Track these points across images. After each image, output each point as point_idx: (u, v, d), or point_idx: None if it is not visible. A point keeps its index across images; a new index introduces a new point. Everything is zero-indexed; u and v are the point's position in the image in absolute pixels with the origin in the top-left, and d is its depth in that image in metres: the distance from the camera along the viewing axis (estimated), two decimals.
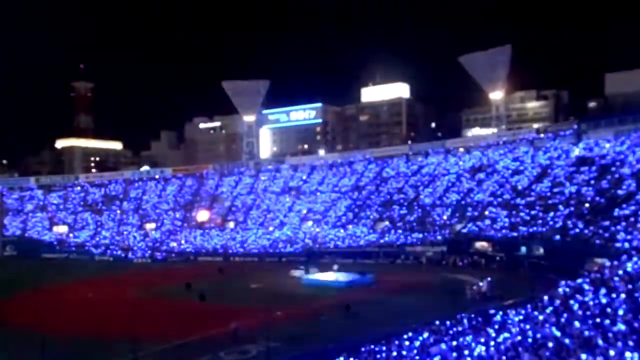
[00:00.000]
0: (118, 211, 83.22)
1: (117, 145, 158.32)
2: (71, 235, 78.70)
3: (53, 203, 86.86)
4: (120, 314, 34.06)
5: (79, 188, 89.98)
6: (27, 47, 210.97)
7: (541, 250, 47.48)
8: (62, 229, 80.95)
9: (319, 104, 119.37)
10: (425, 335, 20.82)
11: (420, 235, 58.48)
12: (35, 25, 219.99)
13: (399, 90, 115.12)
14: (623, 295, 17.55)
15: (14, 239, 77.81)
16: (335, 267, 48.75)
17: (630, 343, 13.07)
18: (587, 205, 49.10)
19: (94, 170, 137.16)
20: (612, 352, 12.84)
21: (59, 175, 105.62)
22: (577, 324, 15.72)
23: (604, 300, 17.70)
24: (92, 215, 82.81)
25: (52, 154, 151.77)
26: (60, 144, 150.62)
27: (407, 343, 20.36)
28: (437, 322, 22.36)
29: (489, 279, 36.99)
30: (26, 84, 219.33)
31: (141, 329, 28.44)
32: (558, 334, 15.19)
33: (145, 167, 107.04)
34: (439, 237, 57.03)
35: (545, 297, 21.31)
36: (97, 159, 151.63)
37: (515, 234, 51.09)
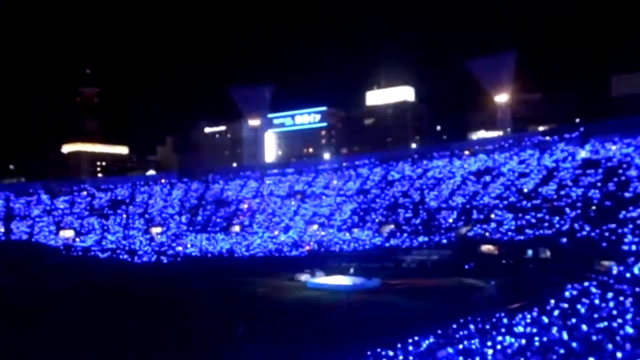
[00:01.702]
0: (124, 215, 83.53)
1: (123, 150, 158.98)
2: (78, 239, 79.01)
3: (60, 208, 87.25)
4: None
5: (85, 193, 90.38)
6: (33, 51, 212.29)
7: (548, 253, 47.27)
8: (68, 233, 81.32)
9: (324, 108, 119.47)
10: (432, 338, 20.79)
11: (426, 239, 58.32)
12: (41, 29, 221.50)
13: (404, 93, 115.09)
14: (630, 298, 17.46)
15: (21, 243, 78.07)
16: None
17: (638, 346, 12.99)
18: (593, 207, 48.90)
19: (100, 174, 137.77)
20: (620, 356, 12.77)
21: (65, 179, 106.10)
22: (584, 327, 15.64)
23: (611, 304, 17.61)
24: (98, 220, 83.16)
25: (58, 159, 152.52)
26: (66, 148, 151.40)
27: (412, 347, 20.33)
28: (444, 326, 22.30)
29: (493, 282, 36.84)
30: (32, 89, 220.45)
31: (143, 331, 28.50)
32: (565, 337, 15.13)
33: (151, 172, 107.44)
34: (445, 241, 56.85)
35: (552, 301, 21.23)
36: (104, 163, 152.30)
37: (521, 236, 50.88)
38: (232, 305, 36.76)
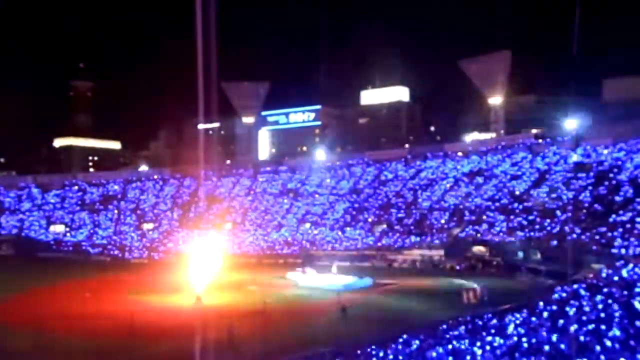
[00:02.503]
0: (116, 211, 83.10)
1: (115, 145, 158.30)
2: (68, 234, 78.55)
3: (50, 202, 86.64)
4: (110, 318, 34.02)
5: (76, 187, 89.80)
6: (25, 45, 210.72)
7: (538, 255, 47.58)
8: (59, 228, 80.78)
9: (318, 106, 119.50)
10: (422, 339, 20.86)
11: (418, 239, 58.54)
12: (34, 23, 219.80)
13: (399, 93, 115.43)
14: (619, 301, 17.63)
15: (10, 237, 77.52)
16: (334, 268, 48.63)
17: (626, 348, 13.13)
18: (584, 211, 49.26)
19: (92, 169, 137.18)
20: (608, 358, 12.89)
21: (56, 174, 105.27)
22: (573, 329, 15.78)
23: (600, 306, 17.78)
24: (89, 215, 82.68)
25: (50, 153, 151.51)
26: (58, 142, 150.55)
27: (402, 346, 20.40)
28: (434, 326, 22.39)
29: (483, 284, 37.04)
30: (25, 82, 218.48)
31: (136, 333, 28.44)
32: (554, 338, 15.25)
33: (144, 167, 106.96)
34: (437, 241, 57.08)
35: (542, 302, 21.38)
36: (96, 158, 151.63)
37: (512, 238, 51.20)
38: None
